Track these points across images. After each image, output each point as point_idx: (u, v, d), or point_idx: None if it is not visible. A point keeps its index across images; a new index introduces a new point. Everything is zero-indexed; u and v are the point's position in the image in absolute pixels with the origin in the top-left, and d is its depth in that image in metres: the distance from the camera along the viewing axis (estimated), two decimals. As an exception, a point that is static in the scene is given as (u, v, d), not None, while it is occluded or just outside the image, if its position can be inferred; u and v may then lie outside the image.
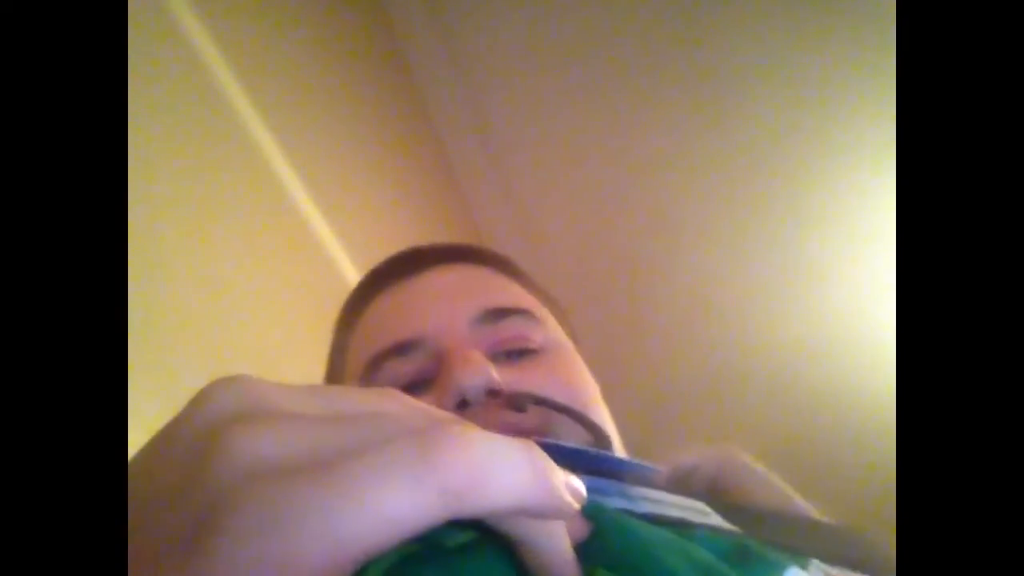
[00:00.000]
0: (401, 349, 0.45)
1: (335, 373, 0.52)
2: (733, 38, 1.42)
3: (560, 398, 0.42)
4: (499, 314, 0.46)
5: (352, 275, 1.14)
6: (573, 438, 0.40)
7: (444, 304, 0.47)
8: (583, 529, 0.26)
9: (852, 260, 1.79)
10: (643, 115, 1.56)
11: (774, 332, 1.97)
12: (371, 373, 0.44)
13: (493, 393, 0.40)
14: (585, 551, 0.24)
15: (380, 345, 0.45)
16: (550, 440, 0.34)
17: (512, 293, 0.49)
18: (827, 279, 1.85)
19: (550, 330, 0.48)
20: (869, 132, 1.53)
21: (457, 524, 0.21)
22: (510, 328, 0.46)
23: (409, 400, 0.22)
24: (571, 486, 0.21)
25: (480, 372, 0.40)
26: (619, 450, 0.44)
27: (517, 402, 0.40)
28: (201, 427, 0.20)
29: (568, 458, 0.33)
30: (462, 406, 0.40)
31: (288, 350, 0.95)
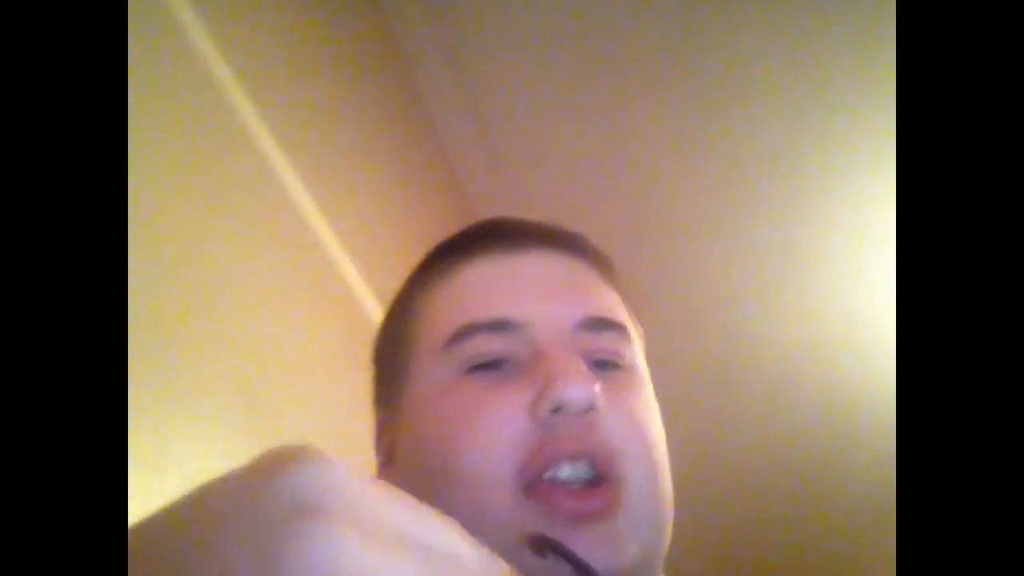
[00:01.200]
0: (498, 327, 0.44)
1: (398, 329, 0.50)
2: (733, 37, 1.42)
3: (635, 445, 0.42)
4: (602, 324, 0.46)
5: (352, 275, 1.14)
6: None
7: (552, 297, 0.46)
8: None
9: (852, 260, 1.79)
10: (642, 116, 1.56)
11: (774, 332, 1.97)
12: (458, 340, 0.44)
13: (590, 411, 0.40)
14: None
15: (475, 315, 0.44)
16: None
17: (613, 301, 0.49)
18: (827, 279, 1.85)
19: (636, 351, 0.48)
20: (869, 132, 1.53)
21: None
22: (607, 340, 0.45)
23: (477, 546, 0.23)
24: None
25: (588, 389, 0.40)
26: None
27: (604, 464, 0.40)
28: (281, 502, 0.19)
29: None
30: (555, 411, 0.40)
31: (288, 350, 0.95)
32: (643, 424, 0.44)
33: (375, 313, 1.16)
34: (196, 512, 0.20)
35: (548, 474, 0.39)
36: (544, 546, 0.36)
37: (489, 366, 0.43)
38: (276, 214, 0.98)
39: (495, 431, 0.40)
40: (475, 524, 0.39)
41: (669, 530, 0.43)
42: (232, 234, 0.87)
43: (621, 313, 0.48)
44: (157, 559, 0.19)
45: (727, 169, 1.64)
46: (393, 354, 0.50)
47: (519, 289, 0.46)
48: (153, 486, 0.64)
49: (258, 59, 0.99)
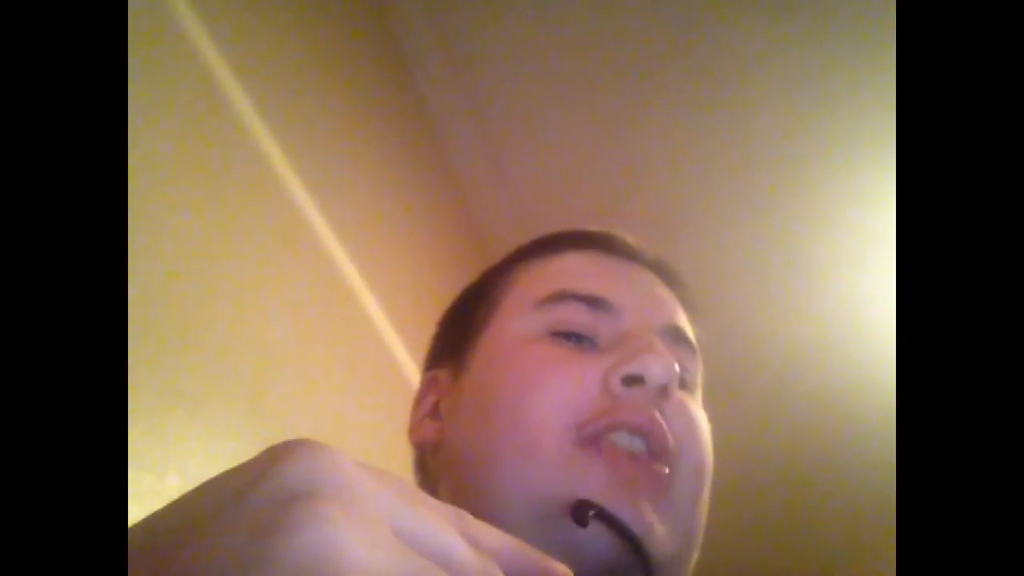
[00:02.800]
0: (594, 302, 0.45)
1: (489, 288, 0.52)
2: (733, 37, 1.42)
3: (691, 448, 0.43)
4: (682, 337, 0.48)
5: (351, 274, 1.14)
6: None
7: (647, 298, 0.48)
8: None
9: (852, 260, 1.79)
10: (642, 117, 1.56)
11: (774, 332, 1.97)
12: (552, 302, 0.46)
13: (664, 392, 0.41)
14: None
15: (576, 285, 0.46)
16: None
17: (691, 331, 0.51)
18: (827, 279, 1.85)
19: (699, 374, 0.50)
20: (869, 132, 1.53)
21: None
22: (682, 353, 0.47)
23: (479, 538, 0.23)
24: None
25: (670, 367, 0.41)
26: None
27: (660, 445, 0.41)
28: (273, 493, 0.19)
29: None
30: (629, 382, 0.41)
31: (288, 349, 0.95)
32: (702, 434, 0.45)
33: (374, 311, 1.16)
34: (194, 508, 0.20)
35: (605, 438, 0.40)
36: (586, 512, 0.36)
37: (571, 337, 0.45)
38: (276, 214, 0.98)
39: (566, 386, 0.42)
40: (527, 473, 0.40)
41: (697, 541, 0.44)
42: (232, 234, 0.87)
43: (693, 337, 0.50)
44: (155, 556, 0.19)
45: (727, 170, 1.64)
46: (474, 309, 0.51)
47: (620, 281, 0.48)
48: (153, 486, 0.64)
49: (258, 59, 0.99)
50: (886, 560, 2.40)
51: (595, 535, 0.36)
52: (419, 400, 0.51)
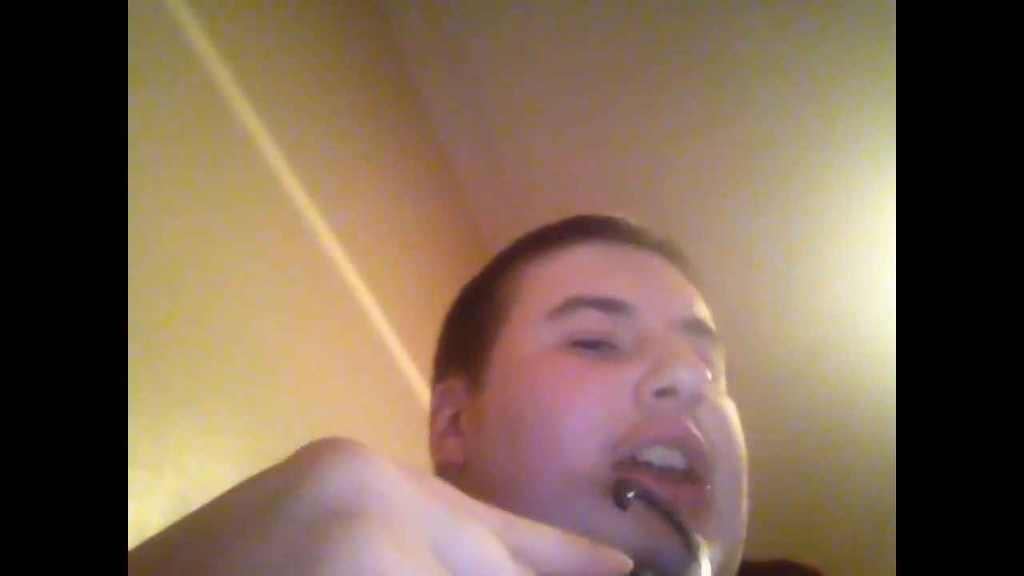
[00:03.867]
0: (608, 306, 0.43)
1: (494, 290, 0.50)
2: (733, 36, 1.42)
3: (727, 446, 0.42)
4: (703, 328, 0.46)
5: (351, 275, 1.14)
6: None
7: (663, 290, 0.46)
8: None
9: (852, 260, 1.79)
10: (641, 116, 1.55)
11: (774, 332, 1.97)
12: (567, 311, 0.43)
13: (697, 400, 0.40)
14: None
15: (587, 289, 0.44)
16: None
17: (709, 317, 0.49)
18: (827, 279, 1.85)
19: (723, 366, 0.48)
20: (869, 132, 1.53)
21: None
22: (705, 346, 0.45)
23: (528, 546, 0.22)
24: None
25: (702, 375, 0.40)
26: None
27: (698, 455, 0.39)
28: (312, 506, 0.18)
29: None
30: (662, 394, 0.40)
31: (287, 350, 0.95)
32: (735, 430, 0.44)
33: (373, 312, 1.16)
34: (221, 516, 0.19)
35: (641, 456, 0.39)
36: (628, 491, 0.35)
37: (590, 345, 0.43)
38: (275, 214, 0.98)
39: (597, 402, 0.40)
40: (559, 493, 0.38)
41: (740, 551, 0.42)
42: (231, 235, 0.87)
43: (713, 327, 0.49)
44: (177, 566, 0.17)
45: (727, 169, 1.64)
46: (481, 316, 0.49)
47: (632, 275, 0.46)
48: (152, 485, 0.64)
49: (258, 60, 0.99)
50: (886, 560, 2.40)
51: (636, 520, 0.35)
52: (436, 413, 0.49)
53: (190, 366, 0.74)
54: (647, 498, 0.35)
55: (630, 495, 0.35)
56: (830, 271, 1.83)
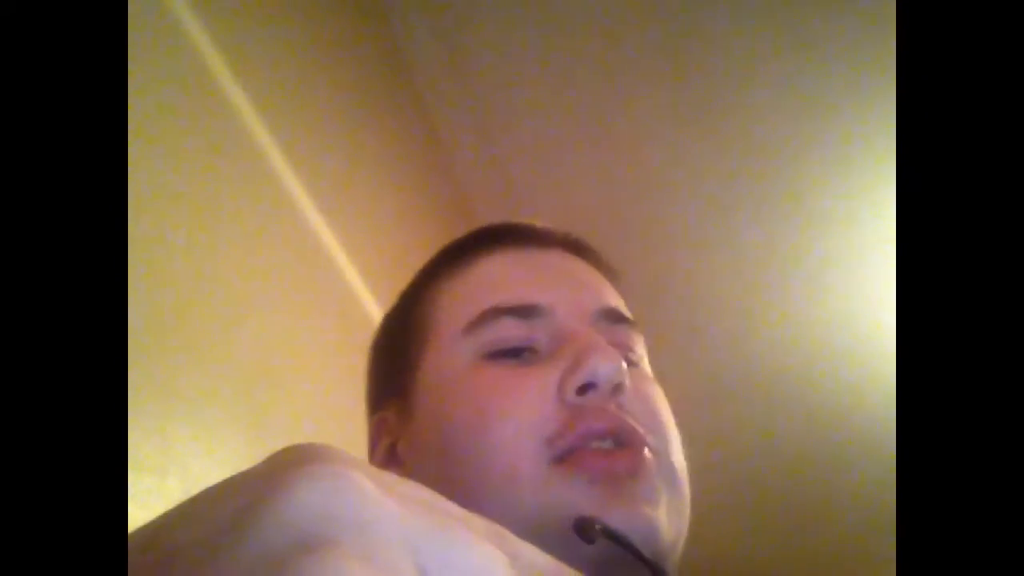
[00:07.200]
0: (523, 312, 0.44)
1: (409, 317, 0.50)
2: (731, 35, 1.42)
3: (656, 427, 0.42)
4: (618, 316, 0.47)
5: (351, 274, 1.14)
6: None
7: (573, 285, 0.47)
8: None
9: (852, 262, 1.79)
10: (640, 116, 1.56)
11: (774, 334, 1.97)
12: (482, 324, 0.44)
13: (618, 388, 0.41)
14: None
15: (499, 300, 0.45)
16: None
17: (622, 303, 0.50)
18: (827, 281, 1.85)
19: (644, 351, 0.49)
20: (869, 132, 1.53)
21: None
22: (622, 333, 0.46)
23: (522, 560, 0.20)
24: None
25: (617, 364, 0.41)
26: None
27: (626, 435, 0.40)
28: (278, 532, 0.16)
29: None
30: (583, 390, 0.40)
31: (289, 350, 0.95)
32: (662, 411, 0.44)
33: (375, 313, 1.16)
34: (175, 536, 0.17)
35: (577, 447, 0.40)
36: (590, 529, 0.36)
37: (509, 354, 0.43)
38: (276, 215, 0.98)
39: (525, 409, 0.41)
40: (511, 500, 0.39)
41: (688, 508, 0.43)
42: (232, 235, 0.87)
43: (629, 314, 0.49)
44: None
45: (727, 171, 1.64)
46: (403, 343, 0.49)
47: (541, 277, 0.47)
48: (154, 488, 0.64)
49: (258, 60, 0.99)
50: (886, 560, 2.40)
51: (602, 550, 0.36)
52: (372, 446, 0.49)
53: (191, 368, 0.74)
54: (610, 536, 0.36)
55: (594, 535, 0.36)
56: (830, 274, 1.83)
